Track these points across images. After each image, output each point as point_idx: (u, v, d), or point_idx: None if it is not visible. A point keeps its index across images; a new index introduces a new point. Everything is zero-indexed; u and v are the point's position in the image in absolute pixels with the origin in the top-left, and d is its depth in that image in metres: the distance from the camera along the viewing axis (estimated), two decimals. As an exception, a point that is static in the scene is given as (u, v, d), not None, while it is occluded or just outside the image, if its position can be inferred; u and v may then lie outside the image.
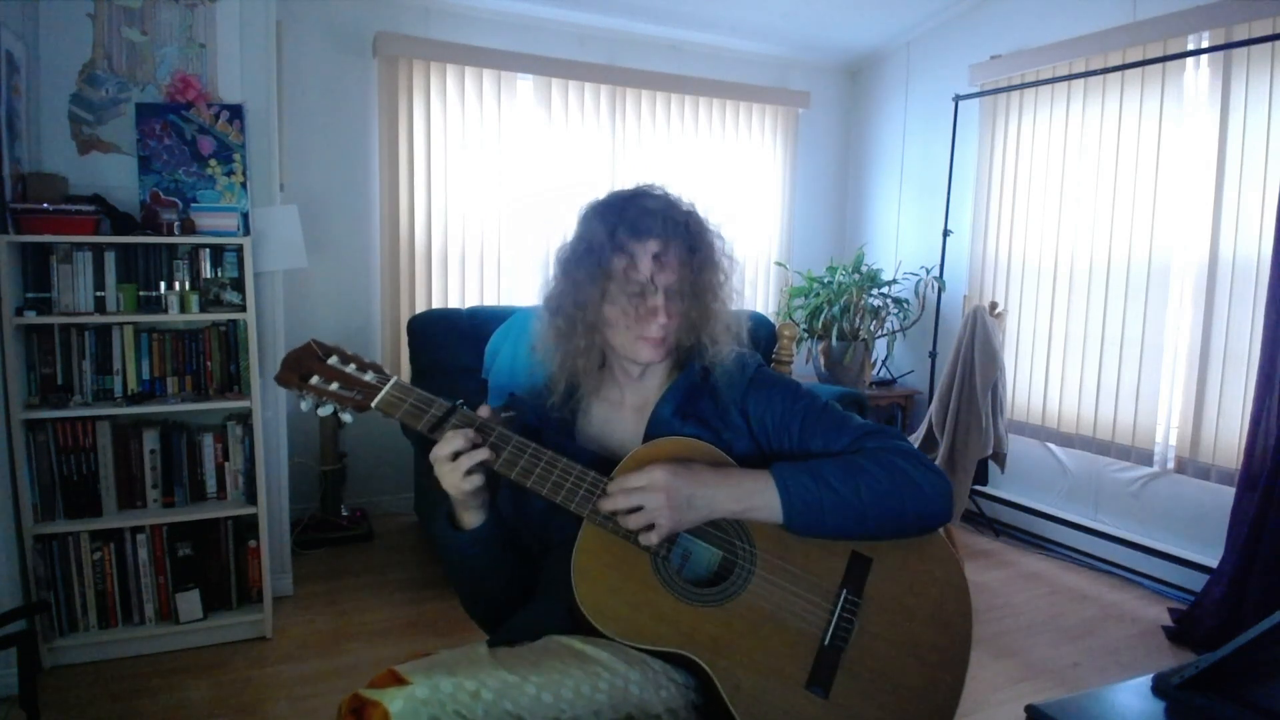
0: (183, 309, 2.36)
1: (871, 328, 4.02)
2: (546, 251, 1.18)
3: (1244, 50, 2.76)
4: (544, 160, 3.79)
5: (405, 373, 3.40)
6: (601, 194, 1.19)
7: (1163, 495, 3.13)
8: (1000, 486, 3.58)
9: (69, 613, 2.31)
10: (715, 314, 1.16)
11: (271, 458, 2.62)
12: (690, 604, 1.05)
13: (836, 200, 4.66)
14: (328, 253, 3.45)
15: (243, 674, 2.29)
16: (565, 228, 1.19)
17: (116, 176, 2.40)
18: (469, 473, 1.03)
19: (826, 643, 1.07)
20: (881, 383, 4.18)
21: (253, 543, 2.48)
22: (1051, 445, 3.54)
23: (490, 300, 3.74)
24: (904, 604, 1.10)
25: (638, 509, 1.03)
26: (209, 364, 2.45)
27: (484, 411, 1.08)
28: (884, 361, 4.19)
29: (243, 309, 2.40)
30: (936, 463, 3.06)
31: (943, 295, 3.94)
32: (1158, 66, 3.02)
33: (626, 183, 1.20)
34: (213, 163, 2.43)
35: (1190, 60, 2.95)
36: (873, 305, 4.01)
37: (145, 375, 2.39)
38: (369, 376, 1.08)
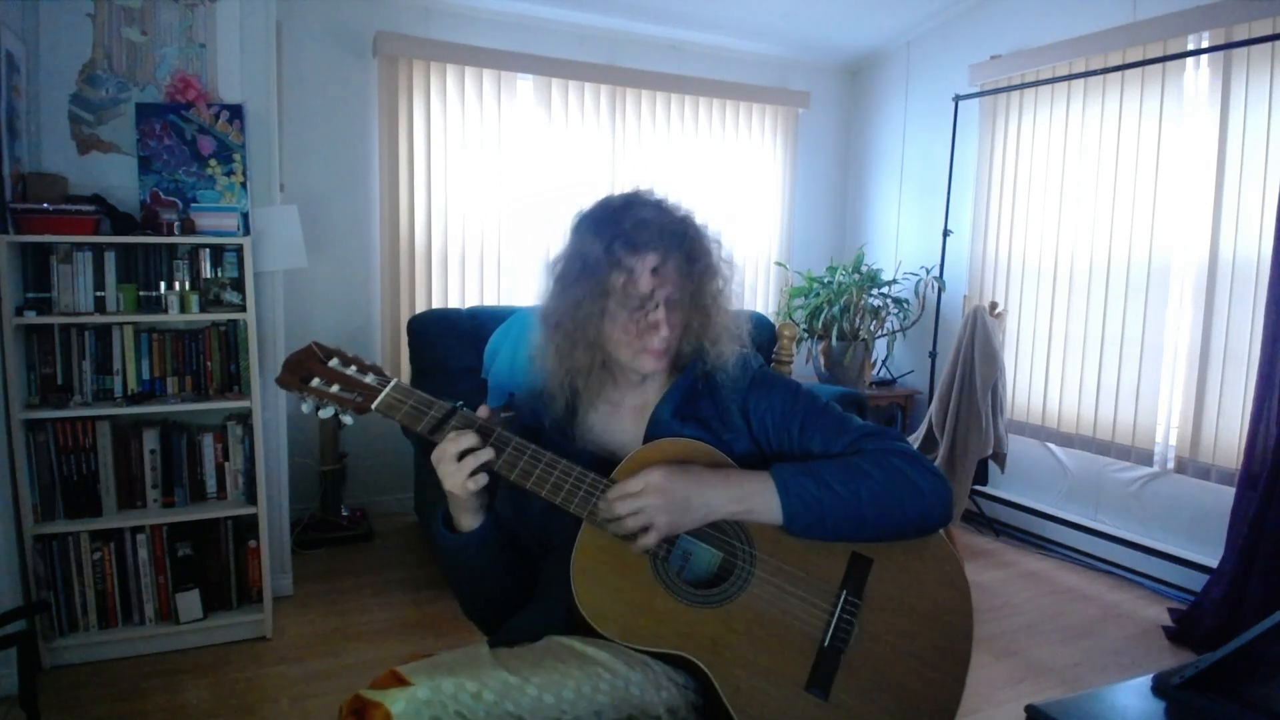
0: (183, 309, 2.36)
1: (871, 328, 4.02)
2: (546, 253, 1.18)
3: (1244, 50, 2.76)
4: (544, 160, 3.79)
5: (405, 373, 3.41)
6: (590, 203, 1.16)
7: (1163, 495, 3.13)
8: (1000, 486, 3.58)
9: (69, 613, 2.31)
10: (716, 318, 1.16)
11: (271, 458, 2.62)
12: (690, 605, 1.05)
13: (836, 200, 4.66)
14: (328, 253, 3.45)
15: (243, 674, 2.30)
16: (560, 235, 1.17)
17: (116, 176, 2.40)
18: (473, 474, 1.03)
19: (826, 644, 1.07)
20: (881, 383, 4.18)
21: (253, 543, 2.48)
22: (1051, 445, 3.54)
23: (490, 300, 3.74)
24: (904, 605, 1.10)
25: (635, 512, 1.03)
26: (209, 364, 2.45)
27: (482, 412, 1.08)
28: (884, 361, 4.19)
29: (243, 309, 2.40)
30: (936, 463, 3.09)
31: (943, 295, 3.94)
32: (1158, 66, 3.02)
33: (627, 183, 1.19)
34: (213, 163, 2.43)
35: (1190, 60, 2.95)
36: (873, 305, 4.01)
37: (145, 375, 2.39)
38: (369, 379, 1.08)
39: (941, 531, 1.15)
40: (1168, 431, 3.10)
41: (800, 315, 4.04)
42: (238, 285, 2.43)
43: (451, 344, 3.18)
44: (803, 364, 4.13)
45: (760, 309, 4.35)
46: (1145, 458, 3.15)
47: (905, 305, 4.03)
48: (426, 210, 3.58)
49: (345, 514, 3.39)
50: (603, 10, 3.73)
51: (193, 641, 2.42)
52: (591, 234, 1.10)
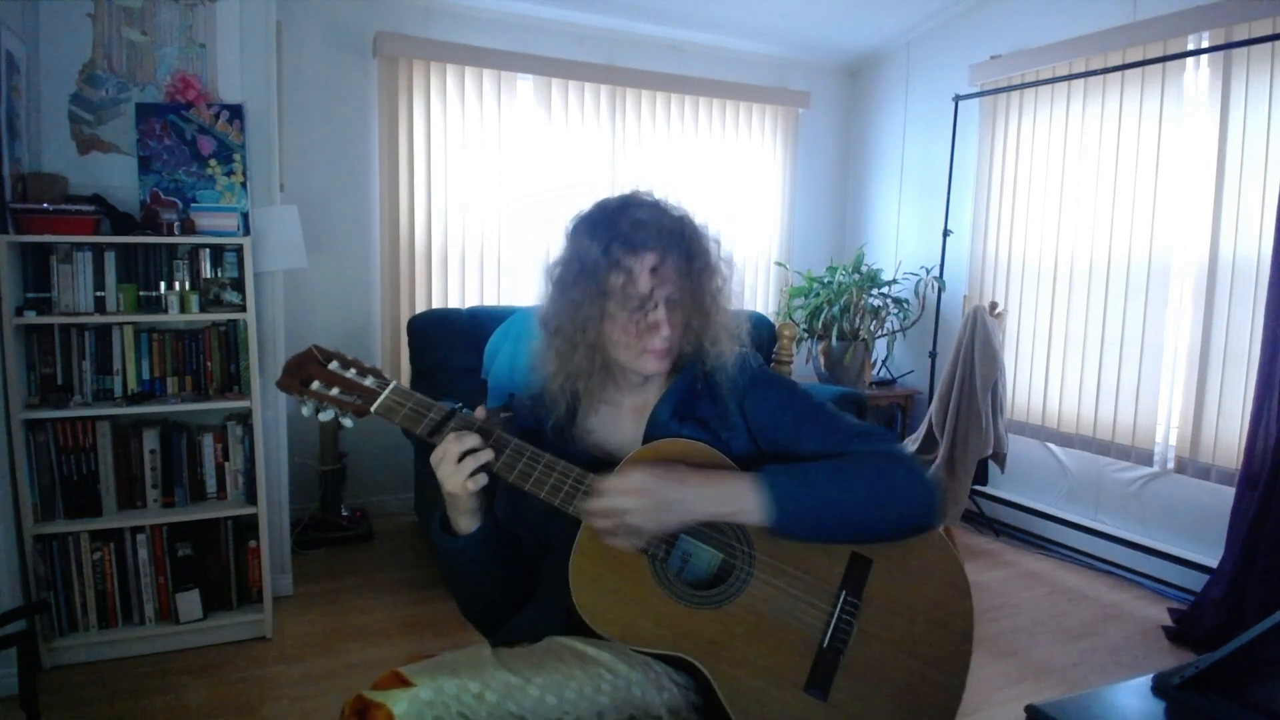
0: (183, 309, 2.36)
1: (871, 328, 4.02)
2: (546, 254, 1.17)
3: (1244, 50, 2.76)
4: (544, 160, 3.79)
5: (405, 373, 3.41)
6: (587, 207, 1.16)
7: (1163, 495, 3.13)
8: (1000, 486, 3.58)
9: (69, 613, 2.31)
10: (716, 318, 1.16)
11: (271, 458, 2.62)
12: (688, 606, 1.05)
13: (836, 200, 4.66)
14: (328, 253, 3.45)
15: (242, 674, 2.30)
16: (559, 237, 1.16)
17: (116, 176, 2.40)
18: (473, 474, 1.03)
19: (825, 645, 1.07)
20: (881, 383, 4.18)
21: (253, 543, 2.48)
22: (1051, 445, 3.54)
23: (490, 300, 3.74)
24: (904, 605, 1.10)
25: (614, 511, 1.02)
26: (209, 364, 2.45)
27: (480, 414, 1.08)
28: (884, 361, 4.19)
29: (243, 309, 2.40)
30: (937, 463, 3.09)
31: (943, 295, 3.94)
32: (1158, 66, 3.02)
33: (627, 184, 1.19)
34: (213, 163, 2.43)
35: (1190, 60, 2.95)
36: (873, 305, 4.01)
37: (145, 375, 2.39)
38: (369, 381, 1.08)
39: (942, 532, 1.15)
40: (1168, 431, 3.10)
41: (800, 315, 4.04)
42: (238, 285, 2.42)
43: (451, 344, 3.18)
44: (803, 364, 4.13)
45: (760, 309, 4.35)
46: (1145, 458, 3.15)
47: (905, 305, 4.03)
48: (426, 210, 3.58)
49: (345, 514, 3.39)
50: (603, 10, 3.73)
51: (193, 641, 2.41)
52: (589, 236, 1.10)
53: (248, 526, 2.49)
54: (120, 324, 2.33)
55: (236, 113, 2.44)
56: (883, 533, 1.10)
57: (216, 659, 2.36)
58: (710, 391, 1.18)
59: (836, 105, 4.58)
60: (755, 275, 4.39)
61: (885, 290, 4.04)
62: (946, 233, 3.89)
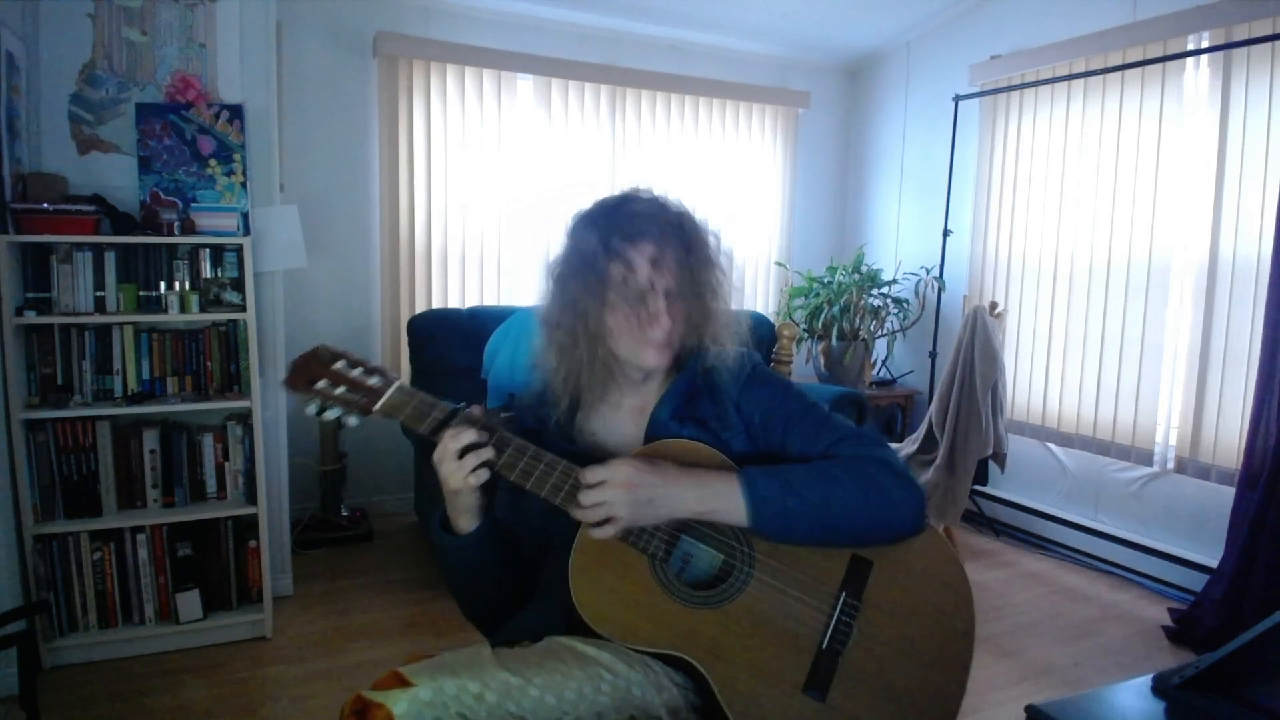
0: (183, 309, 2.36)
1: (871, 328, 4.02)
2: (546, 253, 1.18)
3: (1244, 50, 2.76)
4: (544, 160, 3.79)
5: (405, 373, 3.41)
6: (587, 205, 1.17)
7: (1163, 495, 3.13)
8: (1000, 486, 3.58)
9: (69, 613, 2.31)
10: (716, 313, 1.16)
11: (271, 458, 2.62)
12: (688, 606, 1.05)
13: (836, 200, 4.66)
14: (328, 253, 3.45)
15: (242, 674, 2.30)
16: (557, 239, 1.17)
17: (116, 176, 2.40)
18: (474, 470, 1.03)
19: (824, 646, 1.06)
20: (881, 383, 4.18)
21: (253, 543, 2.48)
22: (1051, 445, 3.54)
23: (490, 300, 3.74)
24: (904, 607, 1.10)
25: (599, 503, 1.03)
26: (209, 364, 2.45)
27: (479, 414, 1.09)
28: (884, 361, 4.19)
29: (243, 309, 2.40)
30: (936, 463, 3.09)
31: (943, 295, 3.94)
32: (1158, 66, 3.02)
33: (627, 183, 1.19)
34: (213, 163, 2.43)
35: (1190, 60, 2.95)
36: (873, 305, 4.01)
37: (145, 375, 2.39)
38: (373, 380, 1.08)
39: (942, 533, 1.15)
40: (1168, 431, 3.10)
41: (800, 315, 4.04)
42: (238, 285, 2.42)
43: (451, 344, 3.18)
44: (803, 364, 4.13)
45: (760, 309, 4.35)
46: (1145, 458, 3.15)
47: (905, 305, 4.03)
48: (426, 210, 3.58)
49: (345, 514, 3.40)
50: (603, 10, 3.73)
51: (193, 641, 2.41)
52: (588, 230, 1.12)
53: (248, 526, 2.49)
54: (120, 324, 2.33)
55: (236, 113, 2.44)
56: (865, 538, 1.10)
57: (216, 659, 2.36)
58: (710, 390, 1.19)
59: (836, 105, 4.58)
60: (755, 275, 4.39)
61: (885, 290, 4.04)
62: (946, 233, 3.89)
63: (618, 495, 1.03)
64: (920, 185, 4.17)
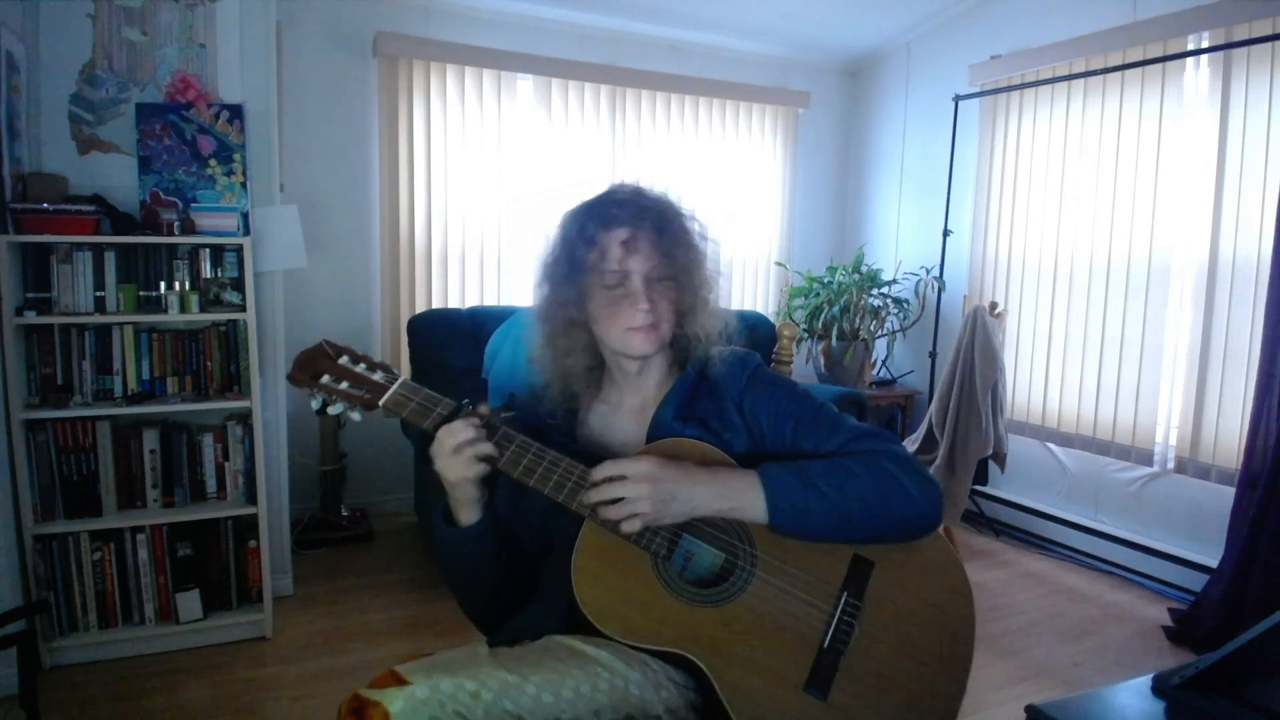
0: (183, 309, 2.36)
1: (871, 328, 4.02)
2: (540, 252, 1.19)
3: (1244, 50, 2.76)
4: (544, 160, 3.79)
5: (405, 373, 3.41)
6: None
7: (1163, 495, 3.13)
8: (1000, 486, 3.58)
9: (69, 613, 2.31)
10: (702, 300, 1.17)
11: (271, 458, 2.62)
12: (690, 604, 1.05)
13: (836, 200, 4.66)
14: (328, 253, 3.45)
15: (242, 674, 2.29)
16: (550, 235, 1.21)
17: (116, 176, 2.40)
18: (472, 461, 1.04)
19: (826, 645, 1.06)
20: (881, 383, 4.18)
21: (253, 543, 2.48)
22: (1051, 445, 3.54)
23: (490, 300, 3.74)
24: (905, 607, 1.10)
25: (622, 498, 1.03)
26: (209, 364, 2.45)
27: (483, 411, 1.09)
28: (884, 361, 4.19)
29: (243, 309, 2.40)
30: (936, 463, 3.09)
31: (943, 295, 3.94)
32: (1158, 66, 3.02)
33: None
34: (213, 163, 2.43)
35: (1190, 60, 2.95)
36: (873, 305, 4.01)
37: (145, 375, 2.39)
38: (378, 376, 1.09)
39: (942, 534, 1.15)
40: (1168, 431, 3.10)
41: (800, 315, 4.04)
42: (238, 285, 2.42)
43: (451, 344, 3.18)
44: (803, 364, 4.13)
45: (760, 309, 4.35)
46: (1145, 458, 3.15)
47: (905, 305, 4.03)
48: (426, 210, 3.58)
49: (345, 514, 3.39)
50: (603, 10, 3.73)
51: (193, 641, 2.41)
52: (569, 222, 1.16)
53: (248, 526, 2.49)
54: (120, 324, 2.33)
55: (236, 113, 2.44)
56: (883, 534, 1.10)
57: (216, 659, 2.36)
58: (710, 390, 1.19)
59: (836, 105, 4.58)
60: (755, 275, 4.39)
61: (885, 290, 4.04)
62: (946, 233, 3.89)
63: (641, 490, 1.02)
64: (920, 185, 4.17)
